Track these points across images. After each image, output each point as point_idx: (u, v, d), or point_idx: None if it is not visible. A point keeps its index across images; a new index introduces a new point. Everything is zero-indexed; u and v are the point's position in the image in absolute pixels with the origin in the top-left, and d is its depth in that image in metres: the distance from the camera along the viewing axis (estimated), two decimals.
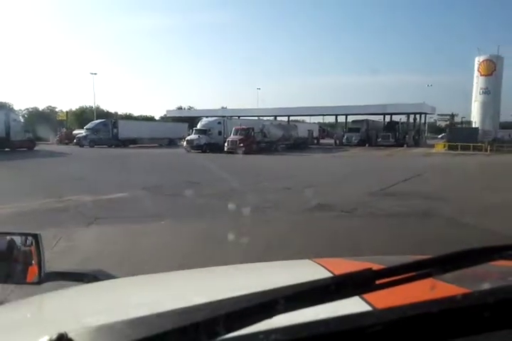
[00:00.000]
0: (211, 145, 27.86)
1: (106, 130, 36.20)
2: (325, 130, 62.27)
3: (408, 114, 39.20)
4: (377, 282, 0.46)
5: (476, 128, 30.22)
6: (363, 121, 40.08)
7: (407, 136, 37.88)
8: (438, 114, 69.26)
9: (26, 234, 1.07)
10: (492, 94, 32.38)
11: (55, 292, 1.02)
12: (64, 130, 43.52)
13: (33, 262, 1.03)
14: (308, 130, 39.36)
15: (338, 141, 39.56)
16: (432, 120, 49.58)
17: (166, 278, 1.19)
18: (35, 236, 1.04)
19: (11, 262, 1.08)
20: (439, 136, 73.87)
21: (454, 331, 0.42)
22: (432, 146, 35.65)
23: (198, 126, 29.84)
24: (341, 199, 8.58)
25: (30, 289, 1.15)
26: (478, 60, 33.23)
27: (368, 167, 16.96)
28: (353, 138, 37.90)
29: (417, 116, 41.91)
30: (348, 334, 0.41)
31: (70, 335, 0.41)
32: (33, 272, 1.03)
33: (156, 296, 0.94)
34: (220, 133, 29.34)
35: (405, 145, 35.89)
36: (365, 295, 0.61)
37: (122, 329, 0.43)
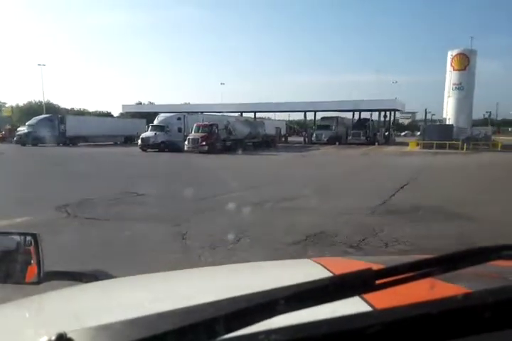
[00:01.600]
0: (170, 143, 24.89)
1: (51, 126, 32.33)
2: (291, 127, 60.40)
3: (379, 111, 37.62)
4: (377, 282, 0.46)
5: (451, 126, 28.89)
6: (333, 118, 38.23)
7: (378, 134, 36.38)
8: (400, 112, 69.46)
9: (25, 234, 1.05)
10: (465, 89, 31.20)
11: (54, 292, 1.02)
12: (8, 127, 39.31)
13: (32, 262, 1.02)
14: (276, 127, 37.00)
15: (307, 139, 37.53)
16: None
17: (166, 278, 1.16)
18: (34, 236, 1.03)
19: (10, 262, 1.06)
20: (402, 134, 74.67)
21: (454, 331, 0.42)
22: (403, 144, 34.31)
23: (155, 122, 26.71)
24: (336, 221, 6.13)
25: (29, 289, 1.09)
26: (451, 54, 31.95)
27: (348, 169, 14.71)
28: (323, 136, 35.98)
29: (387, 113, 40.57)
30: (348, 335, 0.41)
31: (70, 335, 0.41)
32: (32, 272, 1.02)
33: (155, 296, 0.93)
34: (179, 130, 26.38)
35: (376, 144, 34.36)
36: (365, 295, 0.61)
37: (122, 329, 0.43)
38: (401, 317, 0.41)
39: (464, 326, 0.42)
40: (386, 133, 38.97)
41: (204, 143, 23.26)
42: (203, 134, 23.73)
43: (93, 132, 33.71)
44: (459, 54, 31.58)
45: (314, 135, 36.66)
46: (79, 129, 32.68)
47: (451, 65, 31.92)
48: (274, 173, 13.24)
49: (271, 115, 49.17)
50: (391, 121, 42.92)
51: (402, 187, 9.78)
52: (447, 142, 27.41)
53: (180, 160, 19.61)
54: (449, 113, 31.16)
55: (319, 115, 40.01)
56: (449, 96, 31.44)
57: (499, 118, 73.13)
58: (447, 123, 30.48)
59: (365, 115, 41.73)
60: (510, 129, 71.15)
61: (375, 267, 0.48)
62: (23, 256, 1.04)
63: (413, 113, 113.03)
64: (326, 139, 35.85)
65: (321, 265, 1.01)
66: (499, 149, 26.81)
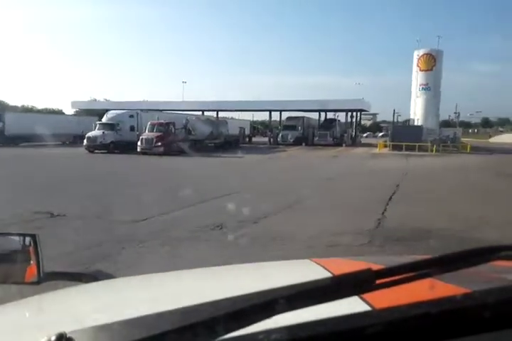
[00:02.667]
0: (120, 143, 22.33)
1: None
2: (256, 128, 58.57)
3: (346, 112, 36.46)
4: (377, 282, 0.46)
5: (421, 127, 28.05)
6: (299, 118, 36.71)
7: (345, 135, 35.23)
8: (362, 113, 69.18)
9: (24, 235, 1.05)
10: (432, 90, 30.56)
11: (53, 292, 1.02)
12: None
13: (32, 262, 1.02)
14: (240, 127, 35.06)
15: (272, 140, 35.82)
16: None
17: (165, 278, 1.16)
18: (34, 237, 1.03)
19: (9, 262, 1.06)
20: (364, 135, 74.88)
21: (453, 331, 0.42)
22: (370, 146, 33.33)
23: (104, 120, 23.97)
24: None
25: (29, 289, 1.07)
26: (417, 54, 31.26)
27: (322, 175, 12.96)
28: (289, 137, 34.35)
29: (353, 114, 39.58)
30: (348, 335, 0.41)
31: (69, 335, 0.41)
32: (31, 272, 1.02)
33: (155, 296, 0.93)
34: (132, 128, 23.82)
35: (344, 145, 33.16)
36: (365, 295, 0.61)
37: (121, 329, 0.44)
38: (401, 316, 0.42)
39: (464, 326, 0.42)
40: (352, 134, 37.97)
41: (159, 143, 20.91)
42: (158, 134, 21.35)
43: (38, 131, 30.22)
44: (426, 54, 30.93)
45: (280, 135, 34.94)
46: (21, 128, 29.03)
47: (418, 65, 31.22)
48: (238, 181, 11.26)
49: (235, 115, 47.18)
50: (356, 122, 42.00)
51: (390, 199, 8.07)
52: (416, 144, 26.52)
53: (129, 163, 17.19)
54: (417, 114, 30.39)
55: (285, 115, 38.46)
56: (417, 97, 30.69)
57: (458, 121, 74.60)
58: (415, 124, 29.68)
59: (330, 116, 40.70)
60: (470, 131, 72.94)
61: (375, 267, 0.47)
62: (23, 257, 1.03)
63: (374, 114, 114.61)
64: (292, 140, 34.25)
65: (321, 265, 1.01)
66: (468, 151, 26.18)
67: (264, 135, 46.64)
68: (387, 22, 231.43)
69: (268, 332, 0.40)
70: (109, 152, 21.80)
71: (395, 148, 27.26)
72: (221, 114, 38.68)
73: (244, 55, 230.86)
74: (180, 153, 21.91)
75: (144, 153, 20.88)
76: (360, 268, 0.46)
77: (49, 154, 19.68)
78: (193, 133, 24.40)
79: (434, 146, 25.90)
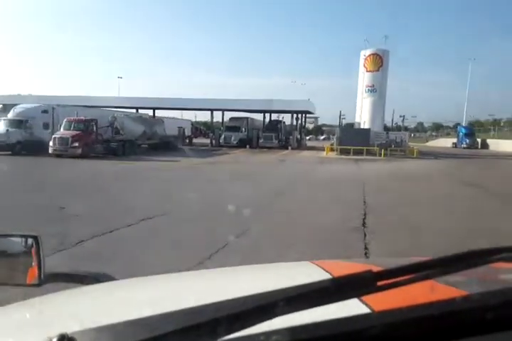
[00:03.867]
0: (30, 143, 18.60)
1: None
2: (198, 128, 55.48)
3: (292, 113, 34.79)
4: (377, 284, 0.46)
5: (368, 130, 26.94)
6: (243, 118, 34.50)
7: (290, 137, 33.59)
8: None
9: (26, 236, 1.03)
10: (378, 92, 29.70)
11: (55, 293, 1.01)
12: None
13: (33, 264, 1.00)
14: (179, 127, 32.07)
15: (214, 141, 33.29)
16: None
17: (167, 280, 1.16)
18: (35, 238, 1.02)
19: (11, 264, 1.05)
20: (307, 138, 74.91)
21: (453, 333, 0.42)
22: (315, 149, 31.97)
23: (10, 116, 19.97)
24: None
25: (30, 291, 1.08)
26: (364, 54, 30.27)
27: (268, 186, 10.71)
28: (232, 139, 32.05)
29: (299, 115, 38.15)
30: (348, 337, 0.41)
31: (71, 336, 0.41)
32: (33, 274, 1.00)
33: (156, 298, 0.92)
34: (46, 126, 20.10)
35: (289, 148, 31.48)
36: (365, 297, 0.61)
37: (123, 330, 0.44)
38: (401, 319, 0.42)
39: (464, 328, 0.42)
40: (298, 137, 36.47)
41: (76, 144, 17.55)
42: (76, 132, 17.95)
43: None
44: (372, 54, 30.00)
45: (223, 137, 32.47)
46: None
47: (365, 65, 30.26)
48: (171, 193, 8.64)
49: (177, 115, 43.78)
50: (302, 124, 40.64)
51: (364, 225, 5.96)
52: (365, 148, 25.35)
53: (32, 169, 13.81)
54: (363, 116, 29.34)
55: (228, 115, 36.04)
56: (364, 98, 29.68)
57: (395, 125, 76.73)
58: (362, 127, 28.60)
59: (275, 118, 38.95)
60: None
61: (375, 269, 0.47)
62: (24, 258, 1.03)
63: (316, 118, 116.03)
64: (235, 142, 31.98)
65: (321, 267, 1.01)
66: (415, 156, 25.46)
67: (206, 136, 43.91)
68: (332, 25, 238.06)
69: (269, 334, 0.40)
70: (14, 154, 17.99)
71: (342, 152, 25.93)
72: (161, 113, 35.35)
73: (196, 55, 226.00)
74: (105, 154, 18.75)
75: (57, 155, 17.44)
76: (360, 270, 0.46)
77: None
78: (121, 132, 21.16)
79: (383, 150, 24.87)
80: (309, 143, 43.54)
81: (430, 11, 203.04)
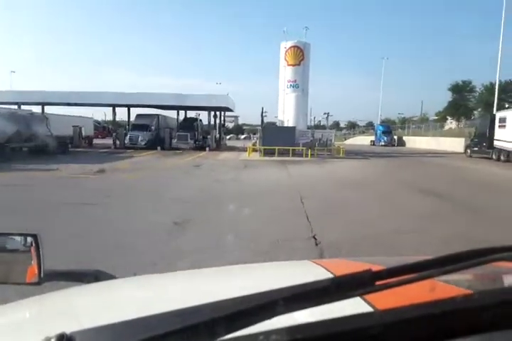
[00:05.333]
0: None
1: None
2: (106, 127, 49.29)
3: (209, 110, 31.21)
4: (377, 283, 0.46)
5: (293, 128, 24.47)
6: (152, 115, 30.16)
7: (208, 137, 30.11)
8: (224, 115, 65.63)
9: (26, 235, 1.04)
10: (301, 87, 27.44)
11: (54, 292, 1.01)
12: None
13: (33, 262, 1.00)
14: (74, 126, 26.69)
15: (118, 142, 28.54)
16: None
17: (166, 279, 1.15)
18: (35, 237, 1.02)
19: (10, 262, 1.05)
20: (228, 137, 72.29)
21: (454, 332, 0.42)
22: (236, 149, 28.95)
23: None
24: None
25: (29, 289, 1.07)
26: (284, 46, 27.79)
27: (170, 211, 7.10)
28: (140, 139, 27.66)
29: (218, 113, 34.77)
30: (348, 336, 0.41)
31: (70, 336, 0.41)
32: (32, 272, 1.00)
33: (156, 297, 0.92)
34: None
35: (207, 149, 28.02)
36: (365, 296, 0.61)
37: (123, 329, 0.44)
38: (402, 317, 0.42)
39: (465, 327, 0.42)
40: (217, 136, 33.11)
41: None
42: None
43: None
44: (293, 47, 27.66)
45: (128, 137, 27.89)
46: None
47: (285, 59, 27.83)
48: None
49: (80, 112, 37.49)
50: (221, 122, 37.29)
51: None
52: (290, 148, 22.83)
53: None
54: (287, 114, 26.86)
55: (135, 112, 31.32)
56: (286, 94, 27.22)
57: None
58: (286, 125, 26.11)
59: (192, 116, 35.05)
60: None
61: (375, 268, 0.47)
62: (24, 257, 1.03)
63: (236, 116, 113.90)
64: (143, 143, 27.62)
65: (321, 266, 0.99)
66: (342, 155, 23.58)
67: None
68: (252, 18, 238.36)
69: (268, 333, 0.40)
70: None
71: (266, 153, 23.17)
72: (60, 110, 29.31)
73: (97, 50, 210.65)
74: None
75: None
76: (360, 269, 0.45)
77: None
78: None
79: (310, 150, 22.56)
80: (230, 143, 40.56)
81: (347, 9, 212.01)
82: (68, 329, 0.42)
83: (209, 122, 32.15)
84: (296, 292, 0.43)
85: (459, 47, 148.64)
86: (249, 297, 0.43)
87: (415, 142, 40.64)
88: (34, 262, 1.00)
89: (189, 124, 29.33)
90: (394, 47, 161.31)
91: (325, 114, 48.74)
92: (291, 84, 27.61)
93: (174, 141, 27.92)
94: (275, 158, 21.82)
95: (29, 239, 1.02)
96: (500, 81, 31.44)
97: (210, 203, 7.88)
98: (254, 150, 25.04)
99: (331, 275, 0.86)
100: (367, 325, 0.41)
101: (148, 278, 1.16)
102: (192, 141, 27.87)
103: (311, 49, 28.44)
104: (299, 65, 27.61)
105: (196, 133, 28.83)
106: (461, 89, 45.20)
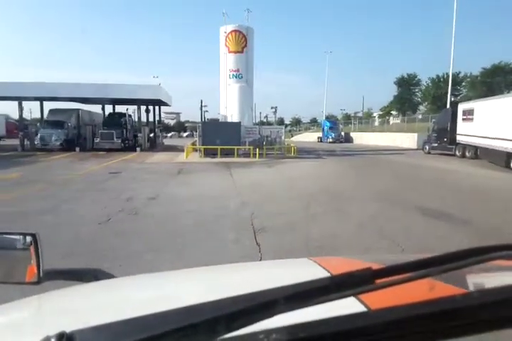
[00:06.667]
0: None
1: None
2: (27, 126, 42.73)
3: (139, 103, 26.97)
4: (376, 282, 0.45)
5: (239, 124, 21.14)
6: (70, 110, 25.42)
7: (139, 135, 25.98)
8: (165, 112, 60.88)
9: (25, 234, 1.03)
10: (245, 77, 24.22)
11: (54, 291, 1.01)
12: None
13: (32, 261, 1.00)
14: None
15: (26, 143, 23.56)
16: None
17: (166, 278, 1.14)
18: (34, 236, 1.01)
19: (9, 262, 1.04)
20: (169, 135, 67.78)
21: (452, 331, 0.42)
22: (175, 149, 25.13)
23: None
24: None
25: (29, 289, 1.04)
26: (224, 30, 24.38)
27: (67, 246, 3.65)
28: (54, 139, 22.97)
29: (151, 107, 30.55)
30: (347, 335, 0.41)
31: (70, 335, 0.42)
32: (31, 271, 1.00)
33: (155, 296, 0.92)
34: None
35: (138, 149, 23.97)
36: (363, 296, 0.60)
37: (122, 329, 0.44)
38: (399, 317, 0.42)
39: (463, 326, 0.42)
40: (151, 135, 28.91)
41: None
42: None
43: None
44: (234, 31, 24.33)
45: (38, 137, 23.02)
46: None
47: (226, 45, 24.44)
48: None
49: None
50: (155, 118, 33.01)
51: None
52: (235, 147, 19.54)
53: None
54: (230, 108, 23.49)
55: (48, 106, 26.26)
56: (228, 85, 23.84)
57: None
58: (230, 120, 22.75)
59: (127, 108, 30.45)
60: None
61: (374, 267, 0.47)
62: (23, 256, 1.02)
63: (177, 113, 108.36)
64: (58, 143, 22.98)
65: (320, 264, 0.99)
66: (294, 155, 20.71)
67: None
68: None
69: (268, 332, 0.40)
70: None
71: (207, 153, 19.69)
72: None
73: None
74: None
75: None
76: (359, 267, 0.45)
77: None
78: None
79: (258, 150, 19.41)
80: (169, 142, 36.48)
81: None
82: (68, 328, 0.42)
83: (139, 118, 27.88)
84: (295, 291, 0.43)
85: (403, 42, 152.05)
86: (248, 295, 0.43)
87: (362, 138, 39.14)
88: (33, 261, 0.99)
89: (115, 120, 24.91)
90: (338, 42, 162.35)
91: (272, 108, 45.66)
92: (234, 74, 24.30)
93: (97, 140, 23.53)
94: (218, 159, 18.44)
95: (28, 238, 1.01)
96: (445, 74, 30.58)
97: (113, 237, 4.33)
98: (194, 150, 21.44)
99: (329, 274, 0.86)
100: (366, 324, 0.40)
101: (148, 277, 1.15)
102: (119, 140, 23.62)
103: (255, 36, 25.30)
104: (241, 52, 24.36)
105: (124, 130, 24.60)
106: (406, 83, 44.58)
